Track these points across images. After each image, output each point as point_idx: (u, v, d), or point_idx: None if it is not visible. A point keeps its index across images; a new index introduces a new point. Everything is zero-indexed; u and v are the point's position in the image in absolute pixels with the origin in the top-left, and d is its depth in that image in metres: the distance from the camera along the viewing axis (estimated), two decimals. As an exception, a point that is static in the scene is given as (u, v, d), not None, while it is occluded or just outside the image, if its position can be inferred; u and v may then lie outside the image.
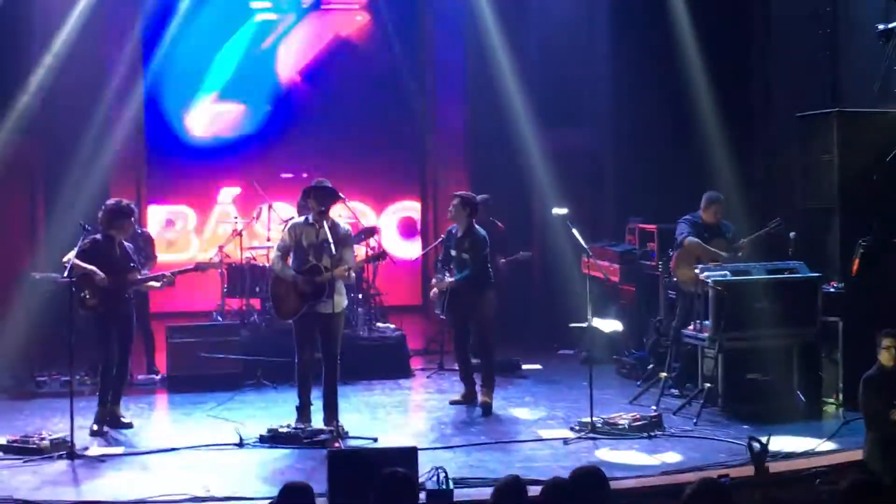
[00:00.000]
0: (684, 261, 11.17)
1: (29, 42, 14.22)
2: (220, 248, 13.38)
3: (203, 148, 15.76)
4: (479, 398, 10.88)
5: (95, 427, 10.00)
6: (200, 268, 10.64)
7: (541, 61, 15.27)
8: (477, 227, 10.96)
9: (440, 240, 13.11)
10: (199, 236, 15.65)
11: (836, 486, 6.21)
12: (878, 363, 8.50)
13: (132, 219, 10.41)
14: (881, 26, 11.28)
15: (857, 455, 8.65)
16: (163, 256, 13.38)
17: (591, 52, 15.32)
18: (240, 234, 13.25)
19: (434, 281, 11.07)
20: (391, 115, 15.73)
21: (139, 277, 10.31)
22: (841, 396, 10.51)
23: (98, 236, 10.14)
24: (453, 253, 10.94)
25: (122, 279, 10.11)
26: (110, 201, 10.42)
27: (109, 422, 10.15)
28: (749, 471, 8.29)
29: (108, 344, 10.14)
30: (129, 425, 10.24)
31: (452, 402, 11.06)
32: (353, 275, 10.34)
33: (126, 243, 10.34)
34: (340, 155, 15.34)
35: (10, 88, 13.53)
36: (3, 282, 12.55)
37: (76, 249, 9.92)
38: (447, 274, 10.95)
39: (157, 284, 10.40)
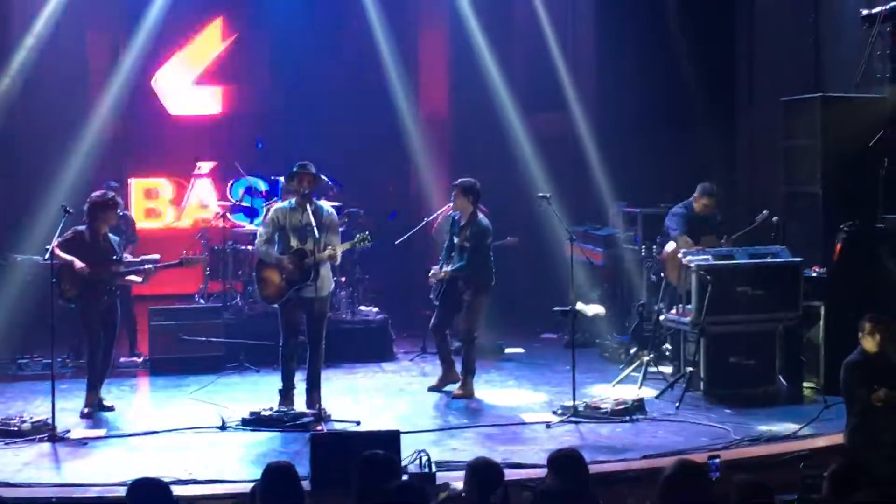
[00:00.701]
0: (673, 259, 11.08)
1: (9, 23, 14.14)
2: (204, 230, 13.34)
3: (184, 126, 15.71)
4: (456, 390, 10.81)
5: (86, 410, 10.00)
6: (185, 263, 10.59)
7: (524, 46, 15.25)
8: (481, 215, 10.86)
9: (421, 224, 13.14)
10: (178, 208, 15.64)
11: (820, 469, 6.24)
12: (859, 347, 8.53)
13: (117, 210, 10.36)
14: (864, 11, 11.28)
15: (839, 439, 8.69)
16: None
17: (574, 36, 15.31)
18: (223, 216, 13.19)
19: (434, 270, 10.97)
20: (374, 101, 15.65)
21: (122, 270, 10.25)
22: (823, 380, 10.54)
23: (82, 227, 10.11)
24: (455, 241, 10.87)
25: (105, 271, 10.07)
26: (95, 194, 10.36)
27: (97, 406, 10.15)
28: (733, 454, 8.33)
29: (93, 333, 10.11)
30: (111, 408, 10.24)
31: (431, 389, 11.04)
32: (340, 257, 10.30)
33: (111, 235, 10.30)
34: (324, 139, 15.26)
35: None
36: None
37: (58, 234, 9.89)
38: (450, 263, 10.87)
39: (139, 279, 10.36)
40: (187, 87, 15.88)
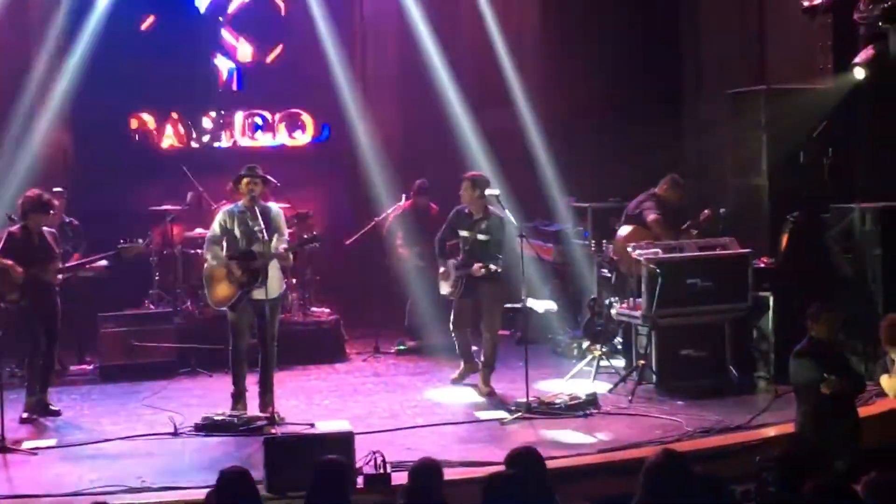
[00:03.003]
0: (635, 240, 11.05)
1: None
2: (152, 233, 13.24)
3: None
4: (483, 387, 10.73)
5: (25, 415, 9.93)
6: (122, 251, 10.44)
7: (470, 42, 15.25)
8: (492, 208, 10.78)
9: (371, 224, 13.12)
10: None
11: (774, 459, 6.30)
12: (808, 336, 8.60)
13: (49, 212, 10.26)
14: (806, 3, 11.40)
15: (790, 428, 8.77)
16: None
17: (520, 32, 15.32)
18: (172, 221, 13.10)
19: (451, 265, 10.80)
20: (325, 101, 15.59)
21: (60, 268, 10.17)
22: (773, 370, 10.63)
23: (14, 228, 10.03)
24: (465, 234, 10.73)
25: (42, 271, 9.98)
26: (29, 192, 10.28)
27: (38, 410, 10.06)
28: (686, 446, 8.39)
29: (33, 335, 10.04)
30: (58, 413, 10.17)
31: (454, 381, 11.05)
32: (291, 259, 10.25)
33: (50, 231, 10.20)
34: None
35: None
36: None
37: None
38: (455, 257, 10.79)
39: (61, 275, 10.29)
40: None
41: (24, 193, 10.28)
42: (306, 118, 15.69)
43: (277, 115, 15.58)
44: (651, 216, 11.16)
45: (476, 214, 10.75)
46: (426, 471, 6.21)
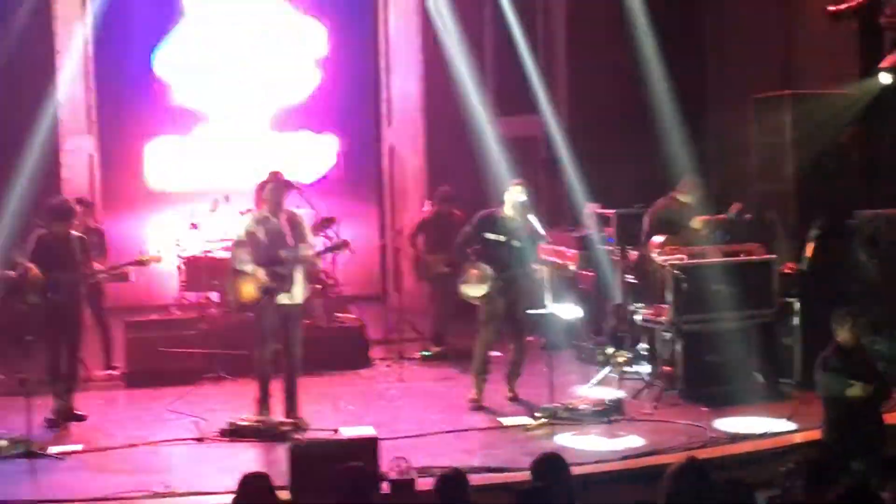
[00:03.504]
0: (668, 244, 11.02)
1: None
2: (177, 240, 13.32)
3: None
4: (510, 392, 10.65)
5: (52, 416, 9.96)
6: (142, 262, 10.55)
7: (496, 50, 15.27)
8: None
9: (397, 230, 13.15)
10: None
11: (799, 465, 6.27)
12: (834, 342, 8.56)
13: (70, 219, 10.30)
14: (832, 7, 11.36)
15: (816, 434, 8.72)
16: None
17: (545, 38, 15.33)
18: (196, 226, 13.15)
19: (484, 271, 10.54)
20: (349, 107, 15.65)
21: (82, 274, 10.24)
22: (799, 376, 10.58)
23: (42, 232, 10.11)
24: (500, 238, 10.53)
25: (64, 275, 10.03)
26: (53, 199, 10.36)
27: (63, 415, 10.10)
28: (711, 453, 8.36)
29: (53, 339, 10.09)
30: (84, 417, 10.20)
31: (476, 403, 10.56)
32: (318, 264, 10.26)
33: (78, 236, 10.27)
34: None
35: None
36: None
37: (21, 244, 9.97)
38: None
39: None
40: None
41: (47, 200, 10.34)
42: (330, 139, 15.71)
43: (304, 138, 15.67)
44: (696, 221, 11.15)
45: (516, 219, 10.64)
46: (453, 482, 6.19)
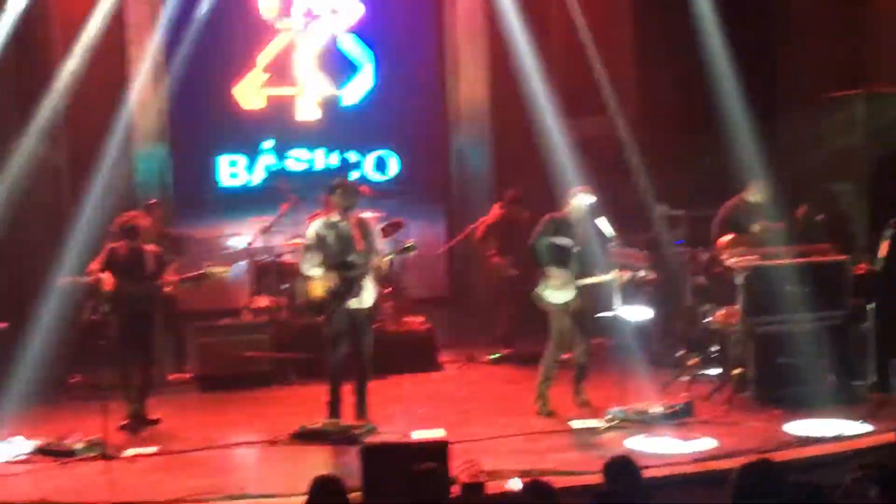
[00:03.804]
0: (735, 246, 10.94)
1: (52, 47, 14.32)
2: (248, 245, 13.46)
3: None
4: (581, 397, 10.54)
5: (125, 422, 10.13)
6: (208, 275, 10.67)
7: (564, 50, 15.22)
8: None
9: (464, 233, 13.16)
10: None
11: (872, 468, 6.18)
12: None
13: (134, 236, 10.42)
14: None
15: (891, 437, 8.59)
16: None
17: (613, 39, 15.26)
18: (267, 230, 13.25)
19: (566, 276, 10.40)
20: (417, 111, 15.70)
21: (149, 286, 10.39)
22: (872, 378, 10.44)
23: (115, 244, 10.26)
24: (569, 242, 10.41)
25: (133, 286, 10.18)
26: (119, 218, 10.56)
27: (137, 420, 10.27)
28: (784, 455, 8.27)
29: (122, 347, 10.24)
30: (157, 422, 10.33)
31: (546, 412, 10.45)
32: (386, 267, 10.29)
33: (151, 249, 10.41)
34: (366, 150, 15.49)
35: (34, 93, 13.61)
36: (33, 286, 12.61)
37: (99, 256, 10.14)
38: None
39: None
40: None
41: (116, 218, 10.51)
42: (391, 155, 15.85)
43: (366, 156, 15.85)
44: (756, 225, 11.05)
45: (581, 224, 10.59)
46: (623, 468, 6.18)
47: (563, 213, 10.56)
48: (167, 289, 10.97)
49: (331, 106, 15.80)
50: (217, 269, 10.82)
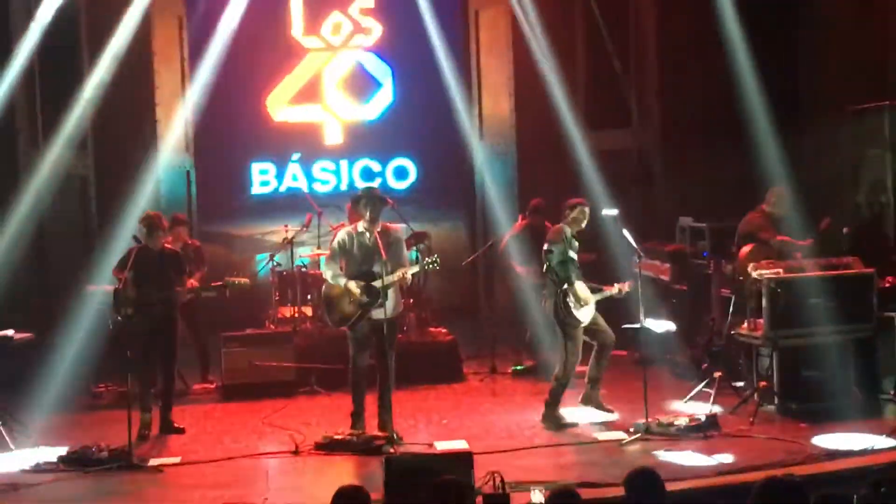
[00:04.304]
0: (757, 258, 10.91)
1: (79, 59, 14.44)
2: (271, 256, 13.51)
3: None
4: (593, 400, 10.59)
5: (145, 432, 10.16)
6: (229, 286, 10.75)
7: (587, 64, 15.25)
8: None
9: (488, 245, 13.17)
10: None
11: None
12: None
13: (159, 231, 10.50)
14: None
15: (916, 452, 8.58)
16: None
17: (637, 52, 15.28)
18: (290, 241, 13.30)
19: (587, 292, 10.42)
20: (440, 123, 15.75)
21: (178, 289, 10.48)
22: (899, 392, 10.40)
23: (137, 247, 10.34)
24: (576, 256, 10.45)
25: (155, 289, 10.24)
26: (147, 213, 10.65)
27: (162, 428, 10.36)
28: (809, 469, 8.23)
29: (145, 353, 10.28)
30: (182, 430, 10.40)
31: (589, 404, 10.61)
32: (410, 278, 10.29)
33: (172, 252, 10.48)
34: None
35: (63, 103, 13.72)
36: (60, 294, 12.70)
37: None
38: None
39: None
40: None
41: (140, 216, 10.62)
42: (411, 164, 16.02)
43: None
44: (778, 236, 11.02)
45: (576, 237, 10.61)
46: (647, 481, 6.17)
47: (569, 225, 10.52)
48: (188, 295, 11.00)
49: (356, 123, 15.93)
50: (238, 281, 10.88)
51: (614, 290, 10.43)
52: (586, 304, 10.33)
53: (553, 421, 10.37)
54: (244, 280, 11.09)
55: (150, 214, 10.63)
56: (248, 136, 15.74)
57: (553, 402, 10.42)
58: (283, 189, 15.84)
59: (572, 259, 10.40)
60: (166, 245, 10.70)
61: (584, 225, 10.56)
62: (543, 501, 6.30)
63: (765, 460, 8.78)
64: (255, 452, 9.68)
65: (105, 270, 11.55)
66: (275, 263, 13.36)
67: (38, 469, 9.28)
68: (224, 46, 14.63)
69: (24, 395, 11.12)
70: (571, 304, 10.24)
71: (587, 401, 10.61)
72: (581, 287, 10.36)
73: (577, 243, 10.50)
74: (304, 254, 13.64)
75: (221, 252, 11.06)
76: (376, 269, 9.82)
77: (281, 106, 15.86)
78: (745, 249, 11.07)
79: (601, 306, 10.56)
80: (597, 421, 10.41)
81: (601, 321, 10.53)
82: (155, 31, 15.14)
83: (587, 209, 10.57)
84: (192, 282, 11.50)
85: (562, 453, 9.42)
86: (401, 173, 16.05)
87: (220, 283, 10.91)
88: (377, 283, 9.80)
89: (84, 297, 12.07)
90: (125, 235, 11.11)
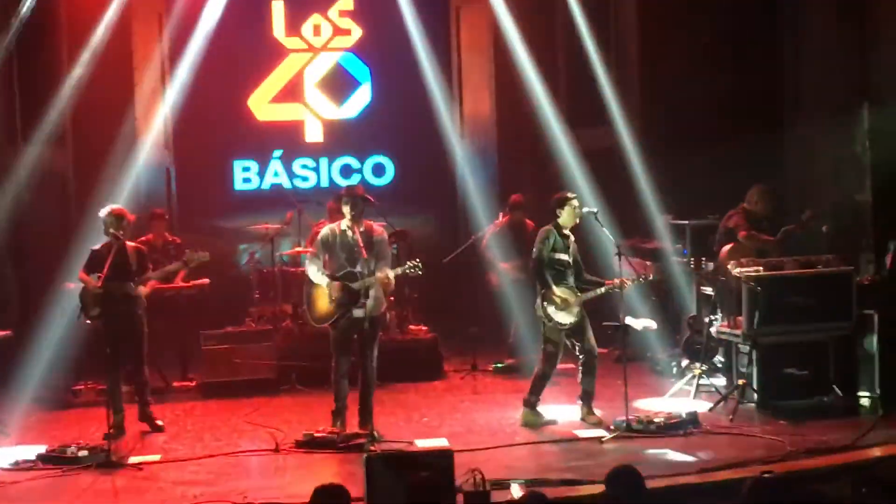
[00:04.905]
0: (736, 256, 10.94)
1: (58, 55, 14.38)
2: (252, 253, 13.49)
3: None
4: (592, 416, 10.32)
5: (110, 431, 9.85)
6: (189, 261, 10.58)
7: (568, 62, 15.25)
8: None
9: (470, 241, 13.18)
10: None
11: (877, 481, 6.18)
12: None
13: (121, 223, 10.29)
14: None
15: (894, 450, 8.60)
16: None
17: (618, 50, 15.29)
18: (271, 238, 13.28)
19: (570, 294, 10.25)
20: (420, 122, 15.77)
21: (133, 283, 10.30)
22: (878, 390, 10.43)
23: (97, 246, 10.24)
24: (565, 257, 10.30)
25: (117, 286, 10.11)
26: (110, 209, 10.43)
27: (141, 418, 10.34)
28: (788, 467, 8.26)
29: (109, 350, 10.11)
30: (161, 428, 10.34)
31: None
32: (393, 281, 10.24)
33: (135, 247, 10.37)
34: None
35: (41, 99, 13.66)
36: (38, 293, 12.64)
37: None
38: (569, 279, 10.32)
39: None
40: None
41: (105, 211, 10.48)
42: (387, 161, 16.14)
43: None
44: (742, 233, 11.05)
45: (569, 235, 10.55)
46: (627, 478, 6.17)
47: (556, 224, 10.42)
48: (145, 287, 10.78)
49: (335, 122, 15.97)
50: (197, 255, 10.63)
51: (616, 283, 10.28)
52: (567, 306, 10.26)
53: (531, 419, 10.35)
54: (203, 254, 10.81)
55: (114, 210, 10.44)
56: (230, 133, 15.78)
57: (531, 400, 10.39)
58: (265, 185, 15.87)
59: (558, 260, 10.34)
60: (129, 242, 10.52)
61: (576, 219, 10.39)
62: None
63: (745, 457, 8.80)
64: (236, 450, 9.66)
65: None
66: (258, 257, 13.34)
67: (17, 467, 9.23)
68: (204, 45, 14.61)
69: (1, 392, 11.08)
70: (549, 308, 10.21)
71: (584, 417, 10.43)
72: (564, 290, 10.27)
73: (567, 242, 10.40)
74: (285, 251, 13.64)
75: (203, 247, 10.95)
76: (358, 267, 9.81)
77: (263, 105, 15.88)
78: (726, 248, 11.10)
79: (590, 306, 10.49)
80: (577, 419, 10.41)
81: (589, 334, 10.34)
82: (134, 28, 15.10)
83: (574, 202, 10.42)
84: (177, 280, 11.48)
85: (542, 451, 9.42)
86: (379, 170, 16.09)
87: (180, 262, 10.71)
88: (356, 285, 9.78)
89: (62, 295, 12.00)
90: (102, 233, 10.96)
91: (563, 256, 10.36)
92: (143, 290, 10.61)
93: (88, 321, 10.22)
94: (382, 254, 9.99)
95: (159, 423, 10.40)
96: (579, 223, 10.54)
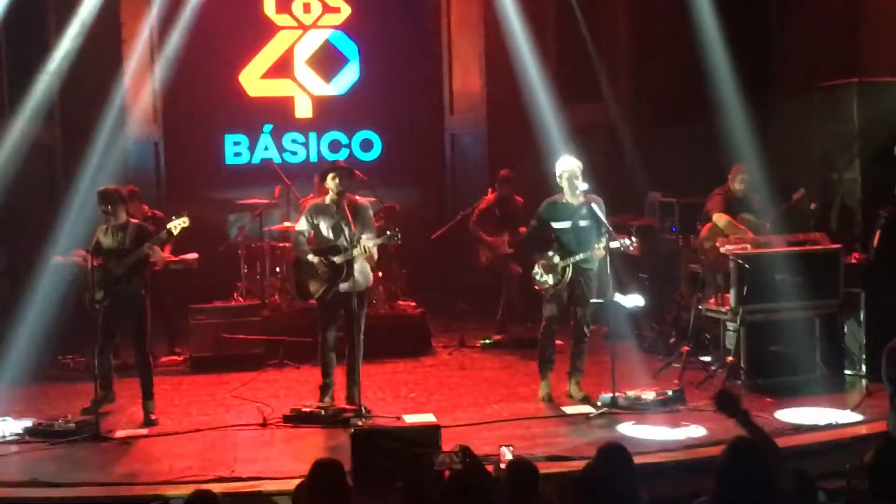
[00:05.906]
0: (712, 237, 10.99)
1: (45, 29, 14.31)
2: (240, 228, 13.47)
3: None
4: (577, 391, 10.30)
5: (87, 406, 9.79)
6: (171, 229, 10.39)
7: (558, 38, 15.22)
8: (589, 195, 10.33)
9: (459, 217, 13.17)
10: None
11: (864, 457, 6.19)
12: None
13: (122, 203, 10.10)
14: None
15: (882, 426, 8.61)
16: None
17: (608, 27, 15.26)
18: (259, 214, 13.26)
19: (557, 259, 10.16)
20: (410, 98, 15.75)
21: (124, 261, 9.98)
22: (864, 367, 10.47)
23: (104, 226, 10.12)
24: (564, 225, 10.21)
25: (114, 265, 9.89)
26: (105, 188, 10.19)
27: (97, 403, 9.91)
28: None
29: (102, 329, 9.94)
30: (154, 423, 9.87)
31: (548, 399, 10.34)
32: (376, 253, 10.23)
33: (135, 224, 10.18)
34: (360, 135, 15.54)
35: (29, 73, 13.59)
36: (26, 265, 12.61)
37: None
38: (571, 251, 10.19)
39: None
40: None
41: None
42: (375, 137, 16.08)
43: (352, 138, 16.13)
44: (715, 214, 11.06)
45: (575, 203, 10.45)
46: (616, 455, 6.18)
47: (555, 197, 10.38)
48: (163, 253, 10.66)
49: (324, 98, 15.93)
50: (176, 221, 10.42)
51: (625, 241, 10.13)
52: (551, 270, 10.20)
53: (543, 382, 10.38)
54: (182, 219, 10.61)
55: (109, 190, 10.27)
56: (221, 108, 15.70)
57: (541, 364, 10.42)
58: (255, 160, 15.85)
59: (541, 230, 10.28)
60: (131, 219, 10.38)
61: (578, 186, 10.19)
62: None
63: (731, 434, 8.75)
64: (223, 425, 9.67)
65: (72, 241, 11.48)
66: (247, 231, 13.32)
67: (4, 440, 9.24)
68: (194, 20, 14.53)
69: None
70: (536, 272, 10.28)
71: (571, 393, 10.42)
72: (546, 256, 10.21)
73: (567, 209, 10.22)
74: (273, 226, 13.62)
75: (193, 220, 10.85)
76: (342, 242, 9.80)
77: (254, 81, 15.83)
78: (706, 227, 11.13)
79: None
80: (564, 394, 10.43)
81: (584, 301, 10.25)
82: (123, 0, 15.00)
83: (570, 168, 10.20)
84: (165, 255, 11.42)
85: (529, 426, 9.44)
86: (366, 146, 16.06)
87: (163, 231, 10.51)
88: (338, 259, 9.77)
89: (50, 268, 11.97)
90: (92, 207, 10.83)
91: (563, 225, 10.23)
92: (161, 255, 10.64)
93: (97, 306, 9.92)
94: (367, 224, 9.96)
95: (153, 417, 10.13)
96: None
